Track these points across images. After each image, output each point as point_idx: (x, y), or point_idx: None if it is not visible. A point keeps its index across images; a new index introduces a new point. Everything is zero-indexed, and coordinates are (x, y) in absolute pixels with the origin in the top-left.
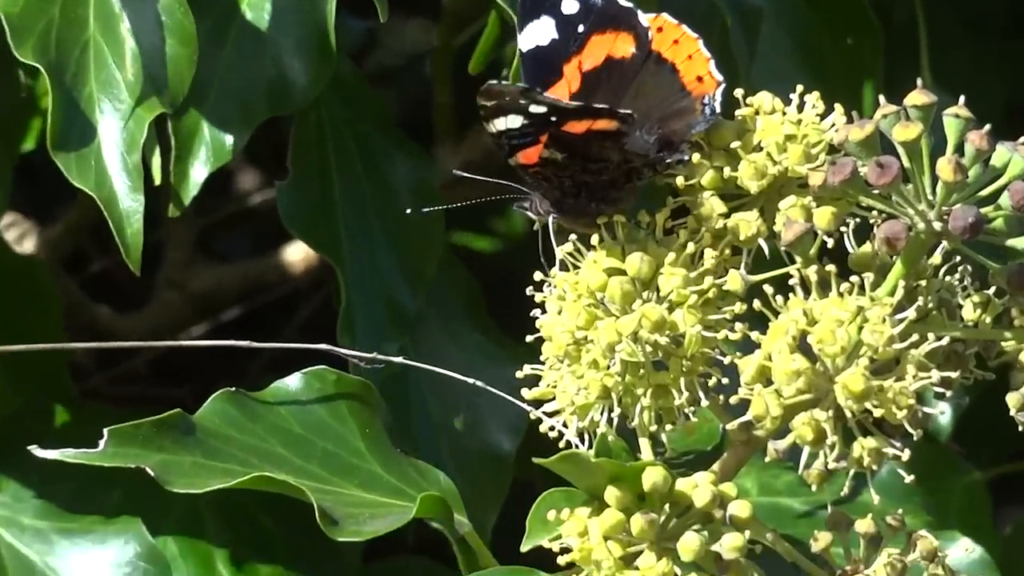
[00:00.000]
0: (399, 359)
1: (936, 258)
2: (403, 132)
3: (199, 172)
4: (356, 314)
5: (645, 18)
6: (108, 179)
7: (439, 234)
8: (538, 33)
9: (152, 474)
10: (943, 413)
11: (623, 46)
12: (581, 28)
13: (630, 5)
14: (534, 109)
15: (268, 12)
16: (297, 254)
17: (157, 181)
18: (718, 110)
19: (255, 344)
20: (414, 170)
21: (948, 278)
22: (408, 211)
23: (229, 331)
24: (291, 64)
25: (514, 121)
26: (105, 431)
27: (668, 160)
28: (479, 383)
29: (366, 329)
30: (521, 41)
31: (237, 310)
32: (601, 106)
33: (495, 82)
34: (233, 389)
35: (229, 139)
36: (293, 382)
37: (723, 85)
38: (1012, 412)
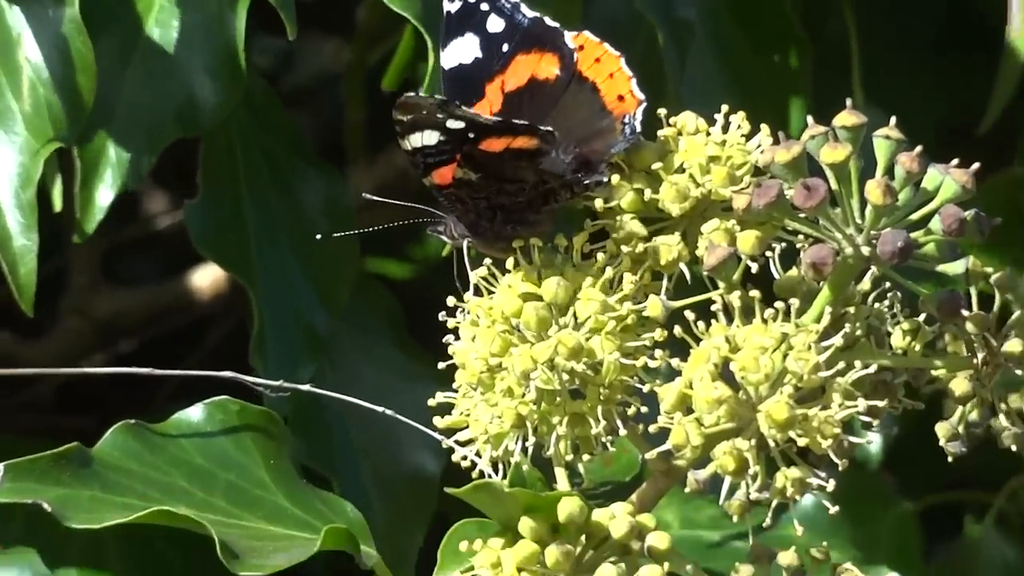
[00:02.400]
0: (306, 386)
1: (865, 284)
2: (316, 152)
3: (104, 196)
4: (269, 337)
5: (571, 39)
6: (1, 217)
7: (353, 255)
8: (461, 51)
9: (49, 509)
10: (870, 442)
11: (547, 67)
12: (506, 47)
13: (556, 26)
14: (452, 124)
15: (175, 30)
16: (205, 279)
17: (57, 208)
18: (638, 129)
19: (158, 372)
20: (327, 191)
21: (877, 305)
22: (319, 236)
23: (136, 358)
24: (200, 84)
25: (430, 137)
26: (1, 465)
27: (586, 181)
28: (389, 412)
29: (279, 352)
30: (444, 58)
31: (143, 336)
32: (521, 122)
33: (412, 94)
34: (133, 421)
35: (136, 160)
36: (195, 413)
37: (644, 104)
38: (942, 442)
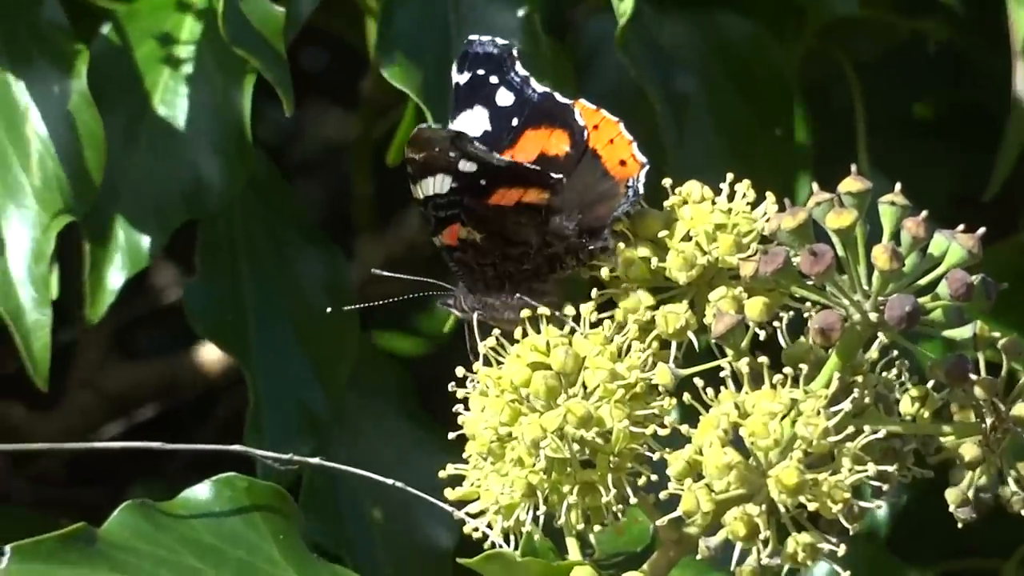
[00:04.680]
0: (316, 460)
1: (873, 353)
2: (324, 223)
3: (115, 279)
4: (265, 417)
5: (581, 116)
6: (14, 291)
7: (353, 333)
8: (470, 124)
9: None
10: (880, 507)
11: (558, 144)
12: (515, 121)
13: (567, 102)
14: (464, 167)
15: (183, 108)
16: (214, 353)
17: (54, 296)
18: (641, 191)
19: (167, 446)
20: (328, 268)
21: (885, 374)
22: (328, 309)
23: (145, 430)
24: (207, 163)
25: (442, 184)
26: (7, 548)
27: (591, 247)
28: (399, 484)
29: (275, 432)
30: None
31: (153, 408)
32: (532, 167)
33: (425, 125)
34: (140, 500)
35: (146, 243)
36: (203, 491)
37: (647, 167)
38: (951, 508)
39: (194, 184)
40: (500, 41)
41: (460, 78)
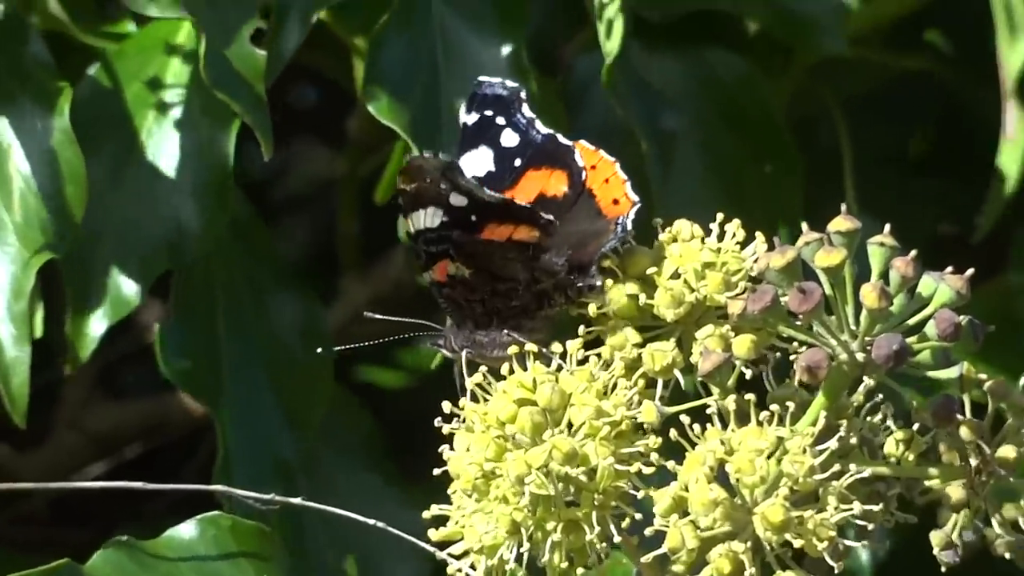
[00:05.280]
0: (297, 500)
1: (859, 396)
2: (296, 270)
3: (98, 326)
4: (234, 464)
5: (581, 158)
6: None
7: (327, 379)
8: (475, 164)
9: None
10: (865, 546)
11: (556, 184)
12: (518, 162)
13: (569, 144)
14: (454, 200)
15: (169, 154)
16: None
17: (38, 334)
18: (629, 227)
19: (149, 486)
20: (304, 312)
21: (870, 418)
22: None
23: (129, 470)
24: (188, 209)
25: (433, 218)
26: None
27: (580, 284)
28: (380, 524)
29: (244, 478)
30: None
31: (138, 448)
32: (523, 205)
33: (418, 155)
34: (124, 538)
35: (130, 290)
36: (187, 529)
37: (639, 205)
38: (935, 551)
39: (176, 232)
40: (510, 84)
41: (468, 118)
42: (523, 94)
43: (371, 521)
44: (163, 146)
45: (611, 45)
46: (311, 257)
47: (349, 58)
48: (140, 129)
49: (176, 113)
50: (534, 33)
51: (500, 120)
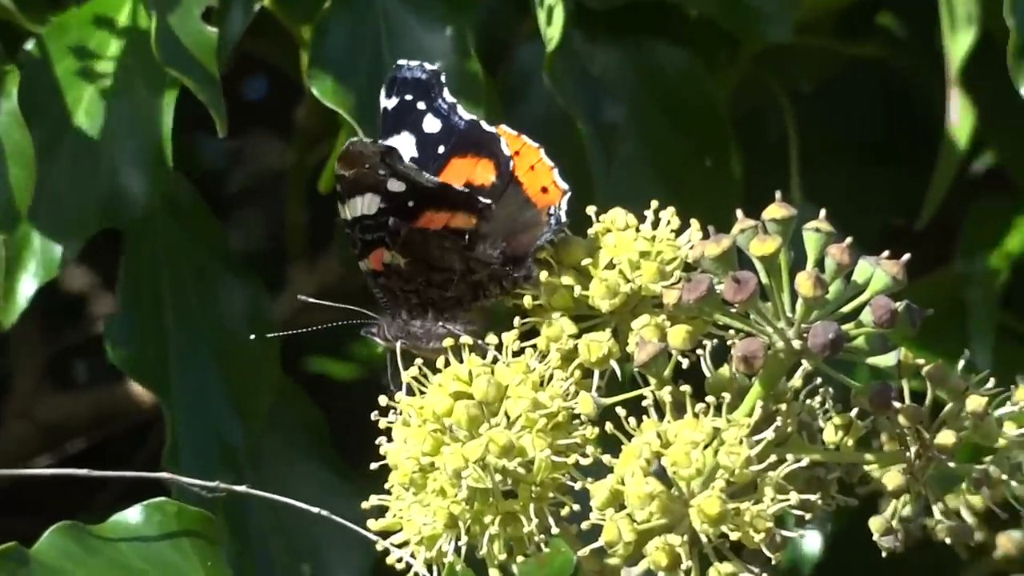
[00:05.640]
0: (242, 488)
1: (797, 380)
2: (242, 258)
3: (28, 286)
4: (183, 451)
5: (507, 145)
6: None
7: (274, 367)
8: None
9: None
10: (803, 536)
11: (483, 173)
12: (441, 149)
13: (493, 131)
14: (392, 187)
15: (102, 122)
16: None
17: None
18: (563, 219)
19: (95, 473)
20: (251, 300)
21: (809, 401)
22: (251, 336)
23: (79, 460)
24: (126, 174)
25: (371, 204)
26: None
27: (515, 275)
28: (325, 512)
29: (193, 466)
30: None
31: (87, 439)
32: (460, 189)
33: (356, 140)
34: (70, 522)
35: (59, 251)
36: (133, 515)
37: (569, 194)
38: (875, 536)
39: (111, 193)
40: (428, 66)
41: (388, 103)
42: (443, 77)
43: (315, 509)
44: (99, 116)
45: (552, 32)
46: (264, 248)
47: (296, 48)
48: (77, 101)
49: (111, 83)
50: (482, 23)
51: (421, 105)
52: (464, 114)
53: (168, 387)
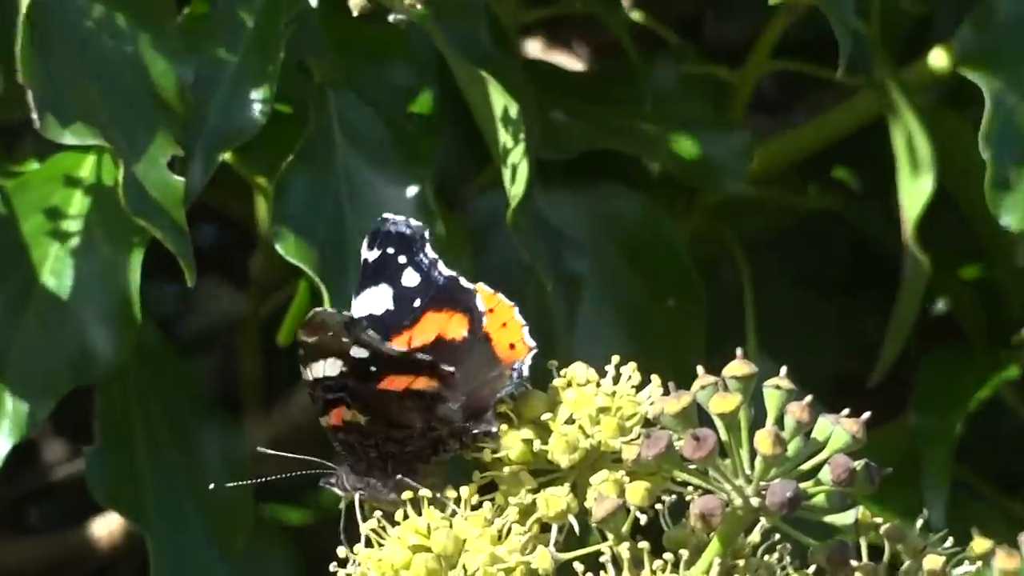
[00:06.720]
0: None
1: (755, 536)
2: (215, 400)
3: (1, 446)
4: None
5: (483, 301)
6: None
7: (248, 506)
8: (374, 301)
9: None
10: None
11: (456, 328)
12: (418, 303)
13: (471, 287)
14: (355, 353)
15: (70, 279)
16: (103, 529)
17: None
18: (526, 374)
19: None
20: (224, 441)
21: (767, 557)
22: (212, 486)
23: None
24: (93, 333)
25: (332, 367)
26: None
27: (475, 431)
28: None
29: None
30: (355, 307)
31: None
32: (424, 357)
33: (321, 309)
34: None
35: (31, 410)
36: None
37: (535, 351)
38: None
39: (80, 353)
40: (413, 222)
41: (369, 255)
42: (427, 234)
43: None
44: (66, 274)
45: (516, 189)
46: (217, 397)
47: (250, 196)
48: (43, 259)
49: (77, 242)
50: (437, 171)
51: (402, 259)
52: (444, 270)
53: (148, 522)
